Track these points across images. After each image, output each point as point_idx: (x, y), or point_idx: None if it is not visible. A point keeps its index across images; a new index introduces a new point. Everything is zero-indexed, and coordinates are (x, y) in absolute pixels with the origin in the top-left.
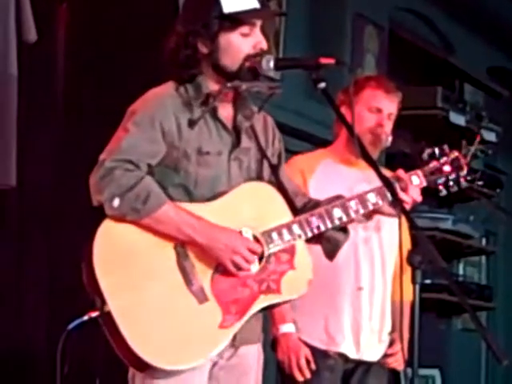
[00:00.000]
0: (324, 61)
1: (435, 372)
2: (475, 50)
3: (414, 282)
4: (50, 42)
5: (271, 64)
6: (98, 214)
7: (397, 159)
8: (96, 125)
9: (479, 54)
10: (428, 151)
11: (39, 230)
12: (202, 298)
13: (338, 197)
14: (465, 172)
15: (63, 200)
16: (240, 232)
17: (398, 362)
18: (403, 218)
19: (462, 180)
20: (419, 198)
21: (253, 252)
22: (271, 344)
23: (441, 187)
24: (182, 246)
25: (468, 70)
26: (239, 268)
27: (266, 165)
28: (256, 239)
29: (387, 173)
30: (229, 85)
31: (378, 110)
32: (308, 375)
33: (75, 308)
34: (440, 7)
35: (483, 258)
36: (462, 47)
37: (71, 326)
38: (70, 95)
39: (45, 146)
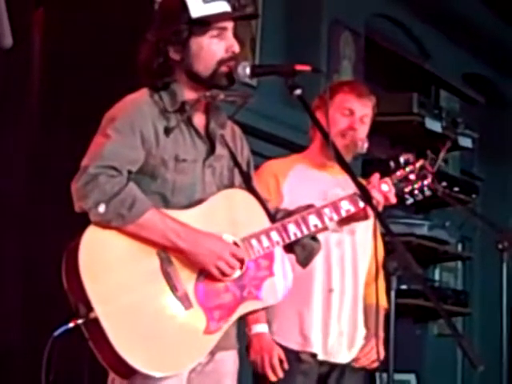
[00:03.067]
0: (300, 68)
1: (411, 377)
2: (451, 57)
3: (388, 287)
4: (26, 46)
5: (247, 71)
6: (73, 220)
7: (373, 166)
8: (71, 130)
9: (455, 60)
10: (393, 160)
11: (13, 235)
12: (187, 303)
13: (309, 206)
14: (429, 181)
15: (37, 206)
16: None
17: (368, 361)
18: (378, 224)
19: (425, 189)
20: (380, 207)
21: (236, 257)
22: (246, 347)
23: (407, 196)
24: (165, 251)
25: (444, 76)
26: (223, 273)
27: (236, 172)
28: (236, 245)
29: (360, 180)
30: (207, 94)
31: (351, 111)
32: (281, 374)
33: (51, 314)
34: (416, 14)
35: (459, 263)
36: (437, 54)
37: (56, 333)
38: (45, 100)
39: (19, 150)
